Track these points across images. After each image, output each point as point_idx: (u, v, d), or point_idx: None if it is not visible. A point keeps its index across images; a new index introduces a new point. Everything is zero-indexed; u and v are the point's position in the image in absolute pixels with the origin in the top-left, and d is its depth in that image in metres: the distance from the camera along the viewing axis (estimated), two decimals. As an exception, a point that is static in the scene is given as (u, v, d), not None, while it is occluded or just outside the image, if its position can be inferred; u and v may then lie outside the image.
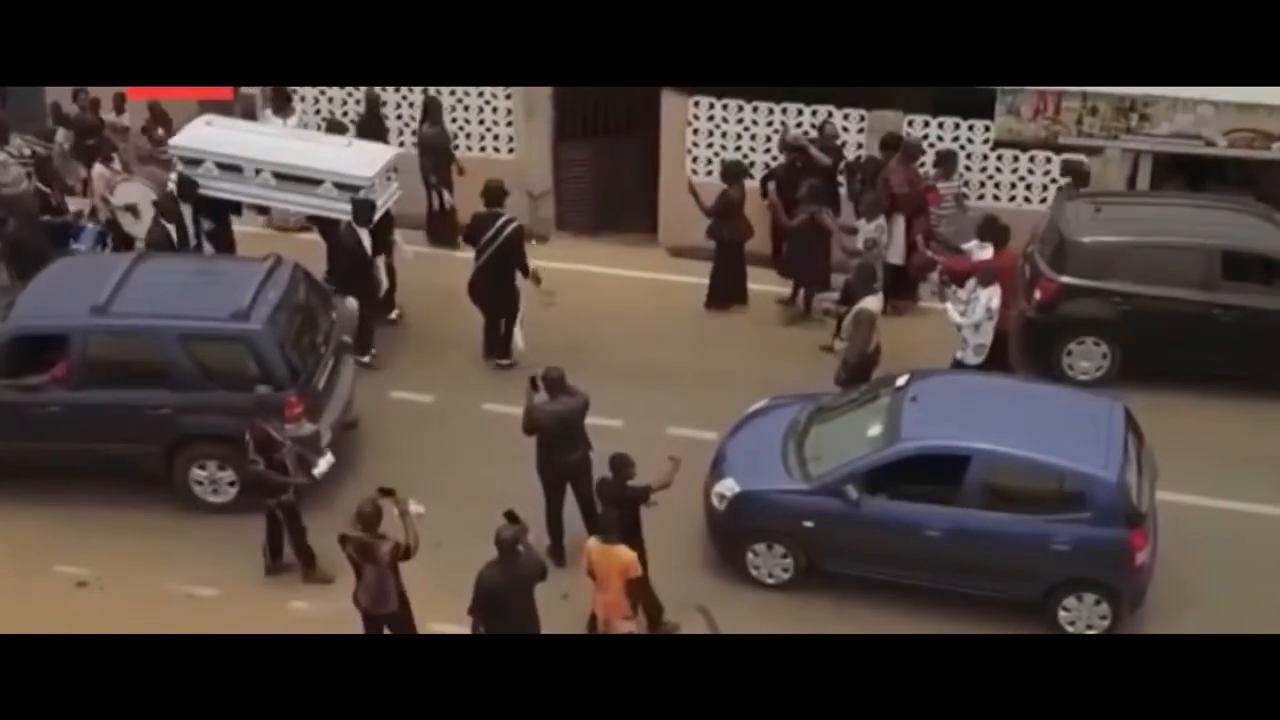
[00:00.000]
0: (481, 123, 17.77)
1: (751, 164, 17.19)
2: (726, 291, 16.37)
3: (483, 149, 17.60)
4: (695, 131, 17.36)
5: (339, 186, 14.79)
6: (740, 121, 17.24)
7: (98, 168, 16.14)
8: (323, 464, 12.62)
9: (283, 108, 17.02)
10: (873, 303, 13.87)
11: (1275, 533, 13.15)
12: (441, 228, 17.22)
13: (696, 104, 17.19)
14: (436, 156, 16.94)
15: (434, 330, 15.78)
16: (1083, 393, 13.31)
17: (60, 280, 13.98)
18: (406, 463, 13.40)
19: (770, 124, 17.19)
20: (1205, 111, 15.93)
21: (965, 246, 14.71)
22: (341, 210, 14.82)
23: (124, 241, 15.85)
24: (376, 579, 10.96)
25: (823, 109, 16.90)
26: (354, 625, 11.52)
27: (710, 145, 17.39)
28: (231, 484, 13.26)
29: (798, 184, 16.74)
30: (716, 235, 16.21)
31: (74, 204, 16.80)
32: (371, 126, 17.03)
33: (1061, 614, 11.99)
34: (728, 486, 12.42)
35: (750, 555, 12.48)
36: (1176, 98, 15.86)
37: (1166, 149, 16.32)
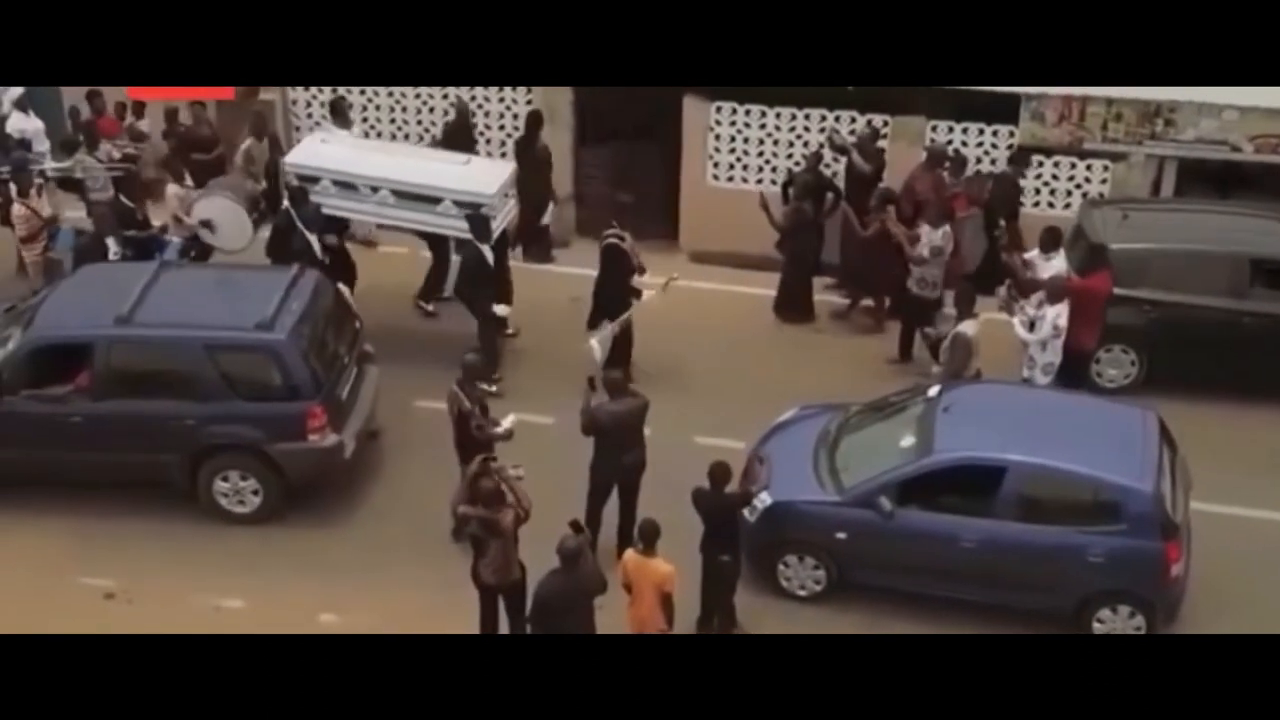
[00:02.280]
0: (502, 128, 17.69)
1: (775, 169, 17.15)
2: (794, 306, 16.30)
3: (504, 153, 17.47)
4: (717, 137, 17.29)
5: (459, 204, 14.65)
6: (763, 127, 17.17)
7: (171, 187, 15.95)
8: (507, 422, 12.58)
9: (342, 118, 16.85)
10: (970, 326, 13.67)
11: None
12: (535, 243, 17.07)
13: (719, 109, 17.12)
14: (537, 169, 16.82)
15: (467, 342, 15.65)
16: (1116, 403, 13.21)
17: (84, 289, 13.91)
18: (431, 471, 13.29)
19: (793, 129, 17.13)
20: (1230, 117, 15.85)
21: (1028, 255, 14.56)
22: (459, 228, 14.68)
23: (206, 256, 15.66)
24: (501, 551, 11.05)
25: (846, 114, 16.83)
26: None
27: (732, 150, 17.32)
28: (255, 493, 13.18)
29: (820, 188, 16.77)
30: (787, 249, 16.13)
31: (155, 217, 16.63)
32: (460, 136, 16.86)
33: (1096, 626, 11.94)
34: (759, 497, 12.33)
35: (781, 566, 12.42)
36: (1202, 103, 15.77)
37: (1192, 154, 16.22)
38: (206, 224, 15.43)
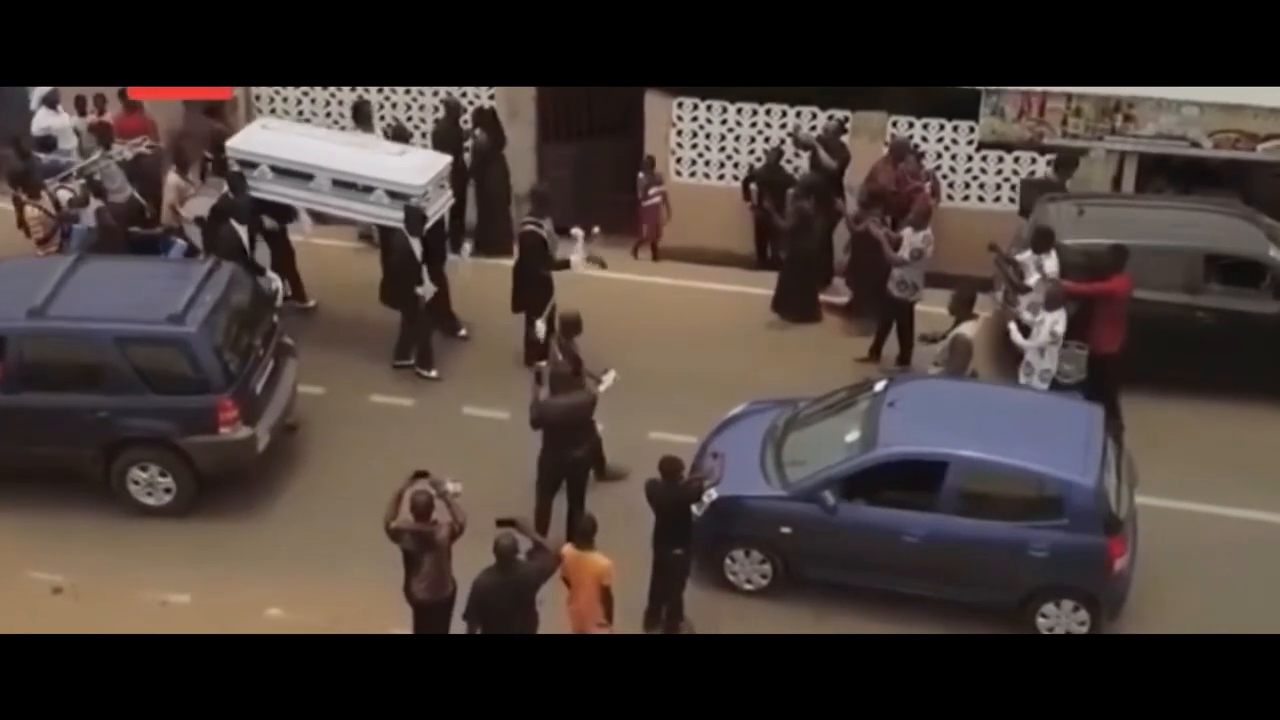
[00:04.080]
0: (466, 123, 17.70)
1: (736, 165, 17.20)
2: (798, 307, 16.14)
3: (467, 149, 17.48)
4: (679, 133, 17.33)
5: (391, 195, 14.65)
6: (724, 123, 17.21)
7: (172, 177, 16.01)
8: (608, 379, 12.89)
9: (365, 120, 16.85)
10: (970, 328, 13.58)
11: (1257, 537, 13.12)
12: (493, 239, 17.08)
13: (680, 105, 17.16)
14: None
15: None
16: (1062, 397, 13.20)
17: (1, 283, 13.92)
18: (382, 467, 13.28)
19: (754, 125, 17.18)
20: (1190, 112, 15.88)
21: (1020, 257, 14.37)
22: (393, 218, 14.69)
23: (191, 253, 15.64)
24: (434, 565, 10.98)
25: (807, 110, 16.87)
26: (326, 633, 11.51)
27: (694, 146, 17.35)
28: (164, 478, 13.16)
29: (780, 185, 16.80)
30: (789, 249, 16.05)
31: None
32: (450, 135, 16.84)
33: (1040, 620, 11.96)
34: (708, 492, 12.33)
35: (728, 561, 12.43)
36: (1161, 99, 15.80)
37: (1151, 150, 16.26)
38: (200, 221, 15.43)
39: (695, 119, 17.24)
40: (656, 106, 17.19)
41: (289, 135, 15.55)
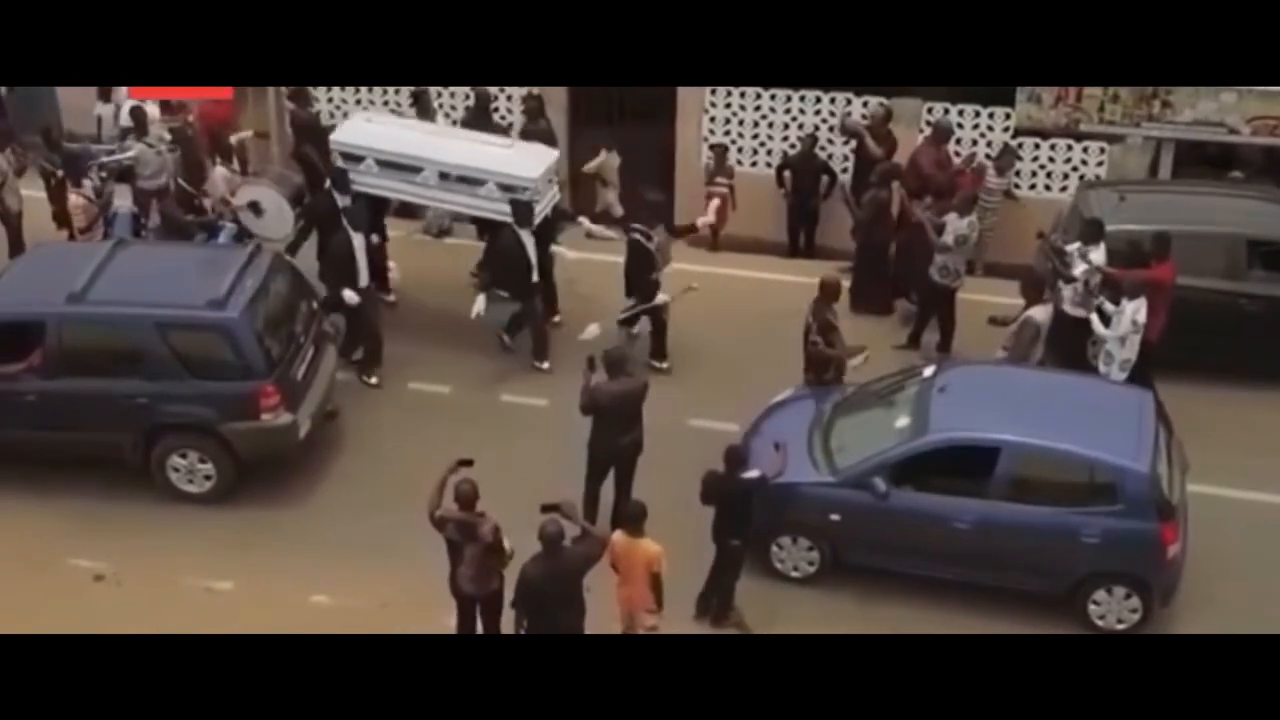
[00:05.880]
0: (495, 110, 17.58)
1: (770, 151, 17.09)
2: (874, 298, 15.90)
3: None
4: (712, 119, 17.23)
5: (502, 188, 14.48)
6: (757, 109, 17.11)
7: (219, 169, 15.89)
8: (858, 359, 13.50)
9: (426, 108, 16.75)
10: (1039, 313, 13.45)
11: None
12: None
13: (713, 91, 17.05)
14: None
15: (456, 322, 15.46)
16: (1112, 383, 13.11)
17: (39, 267, 13.89)
18: (423, 454, 13.19)
19: (788, 111, 17.08)
20: (1228, 99, 15.79)
21: (1070, 249, 14.08)
22: (502, 212, 14.55)
23: (240, 238, 15.42)
24: (479, 558, 10.84)
25: (841, 96, 16.77)
26: (373, 619, 11.45)
27: (727, 133, 17.25)
28: (209, 474, 13.09)
29: (814, 172, 16.70)
30: (863, 238, 15.85)
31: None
32: (480, 124, 16.65)
33: (1091, 608, 11.86)
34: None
35: (775, 548, 12.34)
36: (1199, 85, 15.69)
37: (1189, 136, 16.17)
38: (254, 205, 15.32)
39: (729, 105, 17.14)
40: (689, 93, 17.09)
41: (394, 128, 15.34)
